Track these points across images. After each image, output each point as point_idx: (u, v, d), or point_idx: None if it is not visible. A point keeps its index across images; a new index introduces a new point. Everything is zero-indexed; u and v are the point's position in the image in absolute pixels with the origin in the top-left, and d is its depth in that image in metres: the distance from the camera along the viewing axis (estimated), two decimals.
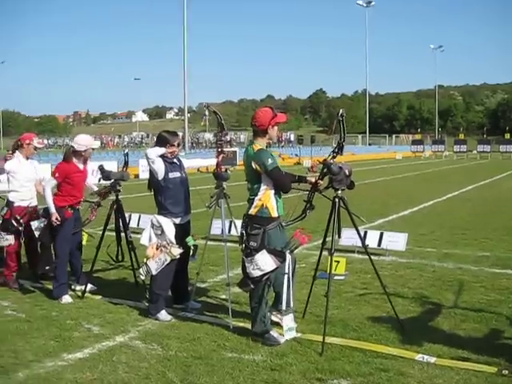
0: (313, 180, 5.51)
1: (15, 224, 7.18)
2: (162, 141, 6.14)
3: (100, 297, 6.82)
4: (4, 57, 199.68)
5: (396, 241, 8.89)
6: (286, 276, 5.12)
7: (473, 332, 5.45)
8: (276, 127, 5.35)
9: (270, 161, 5.14)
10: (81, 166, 6.81)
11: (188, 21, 44.89)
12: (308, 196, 5.56)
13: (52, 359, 4.91)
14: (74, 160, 6.75)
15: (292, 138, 65.97)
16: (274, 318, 5.47)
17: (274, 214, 5.24)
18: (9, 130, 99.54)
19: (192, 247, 8.65)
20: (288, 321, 5.13)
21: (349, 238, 9.23)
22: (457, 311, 6.09)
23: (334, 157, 5.33)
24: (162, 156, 5.98)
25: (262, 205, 5.21)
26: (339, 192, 5.25)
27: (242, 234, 5.31)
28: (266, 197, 5.23)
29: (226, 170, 6.03)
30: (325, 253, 8.52)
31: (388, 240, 8.92)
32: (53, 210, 6.58)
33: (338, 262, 7.79)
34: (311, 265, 8.34)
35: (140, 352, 5.04)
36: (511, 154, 52.54)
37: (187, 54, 44.79)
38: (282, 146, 59.49)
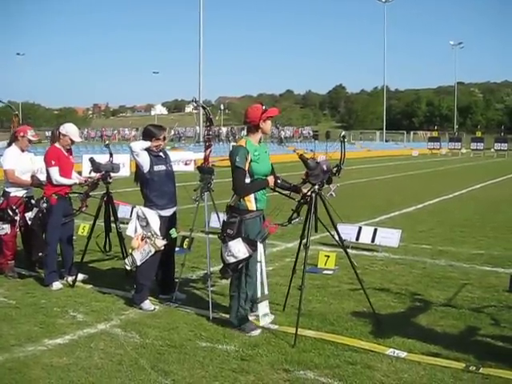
0: (305, 191, 5.59)
1: (11, 213, 7.36)
2: (147, 134, 6.25)
3: (90, 286, 6.98)
4: (24, 49, 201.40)
5: (389, 237, 8.93)
6: (259, 264, 5.24)
7: (449, 328, 5.49)
8: (268, 121, 5.49)
9: (237, 159, 5.28)
10: (65, 153, 7.02)
11: (205, 13, 44.95)
12: (296, 206, 5.65)
13: (33, 344, 5.06)
14: (57, 145, 6.98)
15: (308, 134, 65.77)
16: (250, 318, 5.56)
17: (251, 207, 5.34)
18: (29, 122, 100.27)
19: (187, 240, 8.82)
20: (263, 307, 5.26)
21: (344, 233, 9.30)
22: (438, 308, 6.13)
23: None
24: (148, 149, 6.09)
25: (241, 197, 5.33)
26: (316, 187, 5.31)
27: (222, 222, 5.46)
28: None
29: (212, 165, 6.14)
30: (318, 247, 8.74)
31: (381, 236, 8.97)
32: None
33: (328, 256, 7.89)
34: (302, 259, 8.41)
35: (118, 339, 5.17)
36: None
37: (203, 47, 44.85)
38: (301, 141, 59.38)
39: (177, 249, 7.12)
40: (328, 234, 5.97)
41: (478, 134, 60.51)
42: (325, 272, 7.66)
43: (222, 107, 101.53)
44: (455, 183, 22.10)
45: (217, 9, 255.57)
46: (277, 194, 5.77)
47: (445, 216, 13.18)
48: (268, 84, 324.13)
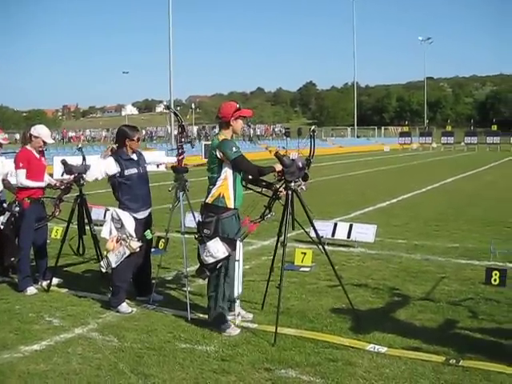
0: (277, 186, 5.57)
1: None
2: (121, 135, 6.16)
3: (66, 290, 6.86)
4: None
5: (365, 232, 8.97)
6: (237, 263, 5.23)
7: (428, 322, 5.52)
8: (240, 120, 5.44)
9: (234, 149, 5.24)
10: (37, 155, 6.87)
11: (174, 13, 44.67)
12: (269, 202, 5.64)
13: (8, 351, 4.94)
14: (29, 147, 6.83)
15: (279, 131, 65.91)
16: (229, 317, 5.53)
17: (230, 205, 5.30)
18: None
19: (162, 240, 8.74)
20: (238, 307, 5.35)
21: (319, 229, 9.28)
22: (416, 302, 6.16)
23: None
24: (118, 155, 6.03)
25: (220, 194, 5.29)
26: (292, 184, 5.29)
27: (198, 222, 5.40)
28: (224, 187, 5.30)
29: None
30: (295, 244, 8.74)
31: (357, 232, 9.00)
32: (42, 184, 6.85)
33: (305, 253, 7.87)
34: (278, 256, 8.39)
35: (96, 343, 5.08)
36: (498, 145, 52.87)
37: (173, 46, 44.53)
38: (273, 139, 59.44)
39: (152, 249, 7.03)
40: (300, 231, 5.95)
41: (448, 128, 61.34)
42: (302, 269, 7.65)
43: (192, 106, 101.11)
44: (427, 177, 22.34)
45: (185, 8, 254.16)
46: (249, 192, 5.74)
47: (418, 210, 13.30)
48: (239, 82, 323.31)
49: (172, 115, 49.11)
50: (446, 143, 56.80)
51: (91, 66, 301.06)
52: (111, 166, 6.00)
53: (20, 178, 6.71)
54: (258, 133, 61.11)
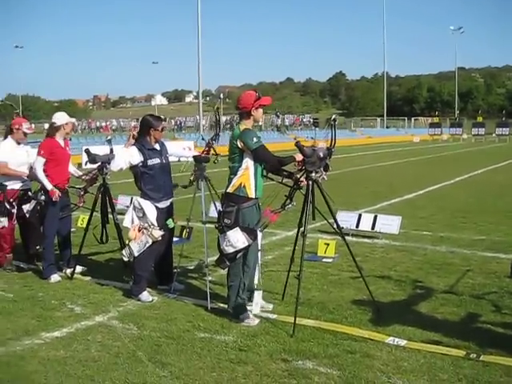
0: (298, 176, 5.53)
1: (8, 207, 7.29)
2: (145, 124, 6.18)
3: (89, 278, 6.94)
4: (23, 42, 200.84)
5: (390, 224, 8.87)
6: (259, 253, 5.21)
7: (450, 316, 5.44)
8: (260, 109, 5.43)
9: (254, 139, 5.22)
10: (62, 143, 6.95)
11: (203, 2, 44.79)
12: (289, 192, 5.60)
13: (30, 337, 5.02)
14: (57, 136, 6.92)
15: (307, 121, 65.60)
16: (249, 308, 5.53)
17: (251, 195, 5.27)
18: (29, 115, 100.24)
19: (186, 230, 8.78)
20: (258, 296, 5.34)
21: (344, 220, 9.29)
22: (438, 295, 6.07)
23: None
24: (141, 144, 6.04)
25: (241, 184, 5.27)
26: (313, 174, 5.24)
27: (219, 211, 5.40)
28: (245, 176, 5.28)
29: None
30: (318, 235, 8.70)
31: (381, 223, 8.91)
32: (50, 186, 6.73)
33: (328, 244, 7.83)
34: (300, 247, 8.36)
35: (116, 331, 5.13)
36: None
37: (202, 36, 44.56)
38: (301, 129, 59.20)
39: (176, 239, 7.08)
40: (324, 222, 5.91)
41: (479, 119, 60.26)
42: (324, 260, 7.61)
43: (221, 96, 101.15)
44: (456, 169, 22.00)
45: None
46: (270, 182, 5.70)
47: (446, 202, 13.10)
48: (268, 72, 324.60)
49: (200, 103, 49.39)
50: (477, 134, 55.81)
51: (121, 56, 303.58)
52: (134, 156, 6.02)
53: (37, 165, 6.79)
54: (287, 123, 60.94)
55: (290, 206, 5.63)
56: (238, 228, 5.16)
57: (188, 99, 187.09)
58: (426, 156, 32.02)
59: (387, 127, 72.78)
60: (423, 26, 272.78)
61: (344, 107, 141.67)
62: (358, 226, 9.15)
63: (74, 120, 7.08)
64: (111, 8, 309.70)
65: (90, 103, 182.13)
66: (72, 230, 7.55)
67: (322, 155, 5.17)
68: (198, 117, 52.88)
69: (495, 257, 7.71)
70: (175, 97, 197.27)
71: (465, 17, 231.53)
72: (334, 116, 5.41)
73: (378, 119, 77.05)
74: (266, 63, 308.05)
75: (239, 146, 5.25)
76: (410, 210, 11.72)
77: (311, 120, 64.72)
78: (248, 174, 5.28)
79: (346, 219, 9.27)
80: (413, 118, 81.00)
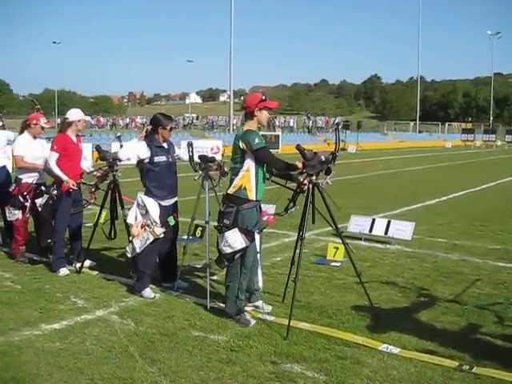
0: (301, 180, 5.51)
1: (22, 200, 7.45)
2: (155, 122, 6.25)
3: (96, 272, 7.04)
4: (61, 38, 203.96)
5: (403, 230, 8.77)
6: (258, 255, 5.24)
7: (449, 325, 5.36)
8: (264, 111, 5.39)
9: (257, 140, 5.21)
10: (74, 139, 7.07)
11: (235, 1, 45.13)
12: (293, 195, 5.59)
13: (30, 329, 5.12)
14: (69, 131, 7.05)
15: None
16: (247, 308, 5.54)
17: (252, 197, 5.28)
18: (65, 110, 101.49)
19: (200, 228, 8.84)
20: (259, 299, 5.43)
21: (357, 225, 9.25)
22: (442, 303, 5.99)
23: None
24: (150, 140, 6.11)
25: (241, 185, 5.28)
26: (313, 178, 5.22)
27: (219, 212, 5.42)
28: (246, 178, 5.28)
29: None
30: (330, 238, 8.66)
31: (395, 228, 8.82)
32: (65, 177, 6.88)
33: (337, 248, 7.78)
34: (313, 250, 8.37)
35: (113, 326, 5.20)
36: None
37: (235, 36, 44.81)
38: (332, 131, 58.85)
39: (190, 237, 7.12)
40: (339, 225, 5.86)
41: None
42: (332, 264, 7.57)
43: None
44: (484, 176, 21.65)
45: None
46: (272, 186, 5.69)
47: (467, 209, 12.91)
48: (302, 73, 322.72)
49: (231, 102, 49.53)
50: (511, 141, 54.86)
51: (157, 53, 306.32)
52: (143, 150, 6.10)
53: (51, 159, 6.93)
54: (319, 125, 60.74)
55: (292, 210, 5.61)
56: (236, 229, 5.17)
57: (222, 98, 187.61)
58: (456, 162, 31.58)
59: (420, 132, 71.98)
60: (460, 30, 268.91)
61: (378, 110, 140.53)
62: (371, 230, 9.08)
63: (87, 118, 7.19)
64: (147, 5, 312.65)
65: (125, 100, 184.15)
66: (88, 224, 7.64)
67: (323, 159, 5.14)
68: (230, 116, 53.00)
69: (507, 267, 7.57)
70: (209, 95, 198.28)
71: (502, 21, 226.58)
72: (337, 120, 5.45)
73: (411, 123, 76.27)
74: (301, 64, 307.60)
75: (241, 146, 5.26)
76: (429, 216, 11.60)
77: (341, 123, 64.44)
78: (249, 175, 5.28)
79: (360, 224, 9.22)
80: (446, 123, 79.94)
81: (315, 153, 5.19)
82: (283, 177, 5.60)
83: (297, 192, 5.56)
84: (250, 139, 5.21)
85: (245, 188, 5.27)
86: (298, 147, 5.15)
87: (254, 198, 5.31)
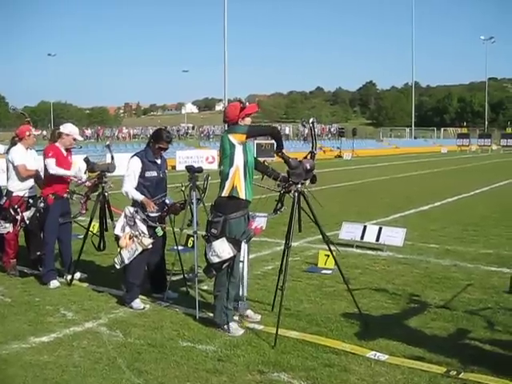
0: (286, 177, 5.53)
1: (13, 213, 7.44)
2: (156, 136, 6.28)
3: (87, 284, 7.03)
4: (56, 50, 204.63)
5: (394, 236, 8.79)
6: (241, 264, 5.24)
7: (438, 331, 5.36)
8: (247, 118, 5.44)
9: (243, 127, 5.30)
10: (64, 152, 7.08)
11: (232, 10, 45.28)
12: (279, 196, 5.61)
13: (18, 342, 5.12)
14: (58, 143, 7.06)
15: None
16: (235, 318, 5.54)
17: (242, 196, 5.27)
18: (61, 122, 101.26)
19: (191, 239, 8.83)
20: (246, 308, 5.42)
21: (348, 232, 9.26)
22: (431, 309, 6.00)
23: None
24: (145, 153, 6.16)
25: (233, 185, 5.27)
26: (299, 186, 5.23)
27: (207, 221, 5.42)
28: (237, 177, 5.28)
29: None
30: (324, 246, 8.65)
31: (386, 235, 8.84)
32: (70, 173, 7.02)
33: (328, 256, 7.77)
34: (304, 258, 8.37)
35: (101, 338, 5.19)
36: None
37: (229, 45, 45.01)
38: (328, 139, 59.07)
39: (181, 247, 7.13)
40: (332, 232, 5.88)
41: (509, 130, 59.37)
42: (323, 271, 7.58)
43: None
44: (479, 180, 21.68)
45: (246, 6, 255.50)
46: (258, 195, 5.70)
47: (460, 214, 12.92)
48: (298, 81, 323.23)
49: None
50: (506, 145, 54.98)
51: (152, 64, 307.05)
52: (136, 167, 6.11)
53: (51, 165, 6.90)
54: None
55: (281, 210, 5.63)
56: (224, 238, 5.18)
57: (218, 108, 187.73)
58: (451, 167, 31.61)
59: (415, 138, 72.13)
60: (454, 36, 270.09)
61: (373, 117, 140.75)
62: (362, 237, 9.08)
63: (76, 137, 7.17)
64: (141, 15, 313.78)
65: (121, 111, 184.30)
66: (80, 236, 7.61)
67: (308, 167, 5.16)
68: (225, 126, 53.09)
69: (498, 271, 7.59)
70: (205, 105, 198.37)
71: (495, 25, 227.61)
72: (312, 119, 5.40)
73: (407, 129, 76.42)
74: (296, 72, 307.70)
75: (231, 139, 5.25)
76: (422, 222, 11.61)
77: (315, 120, 64.44)
78: (238, 174, 5.27)
79: (351, 231, 9.23)
80: (442, 129, 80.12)
81: (300, 161, 5.20)
82: (270, 175, 5.59)
83: (283, 193, 5.56)
84: (237, 128, 5.28)
85: (236, 187, 5.26)
86: (282, 155, 5.15)
87: (244, 197, 5.29)
